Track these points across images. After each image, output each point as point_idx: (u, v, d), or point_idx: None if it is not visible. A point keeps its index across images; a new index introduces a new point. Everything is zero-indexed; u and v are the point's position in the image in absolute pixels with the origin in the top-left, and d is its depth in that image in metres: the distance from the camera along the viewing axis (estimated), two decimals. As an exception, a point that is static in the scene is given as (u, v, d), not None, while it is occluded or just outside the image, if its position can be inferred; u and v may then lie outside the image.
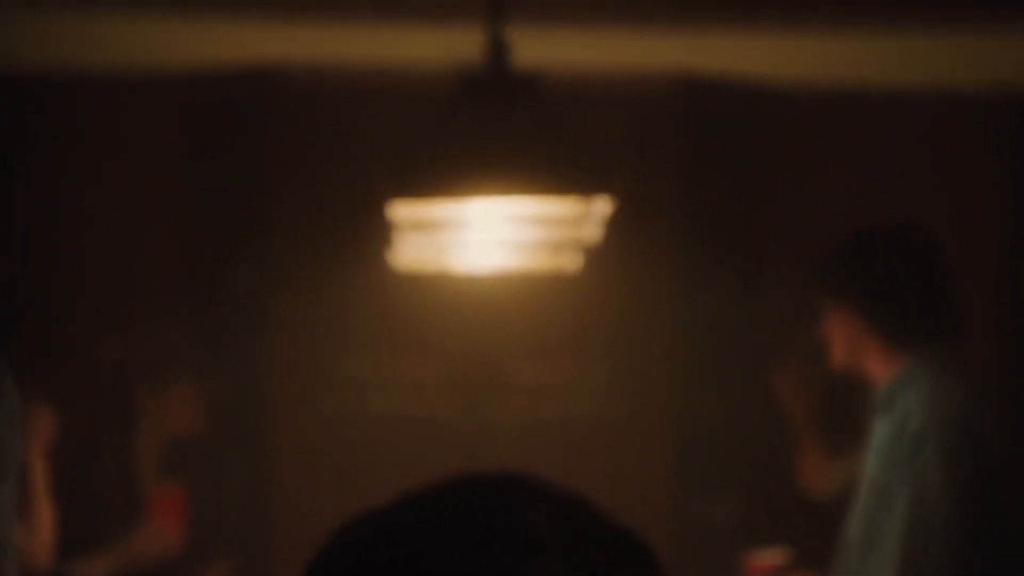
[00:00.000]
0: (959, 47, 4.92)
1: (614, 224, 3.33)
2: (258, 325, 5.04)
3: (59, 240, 4.79)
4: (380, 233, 3.30)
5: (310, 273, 4.95)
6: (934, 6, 4.52)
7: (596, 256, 3.45)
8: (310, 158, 4.94)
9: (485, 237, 3.25)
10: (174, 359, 4.63)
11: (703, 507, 5.13)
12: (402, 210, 3.15)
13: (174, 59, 4.96)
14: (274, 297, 5.00)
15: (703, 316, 5.16)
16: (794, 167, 5.18)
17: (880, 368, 3.23)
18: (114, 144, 4.88)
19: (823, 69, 5.17)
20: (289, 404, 5.00)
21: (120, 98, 4.99)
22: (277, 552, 4.93)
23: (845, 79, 5.16)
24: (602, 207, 3.18)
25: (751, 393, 5.08)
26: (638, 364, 5.05)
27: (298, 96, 4.96)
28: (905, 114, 5.14)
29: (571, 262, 3.26)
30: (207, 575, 4.77)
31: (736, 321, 5.19)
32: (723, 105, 5.20)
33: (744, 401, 5.15)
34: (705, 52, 4.99)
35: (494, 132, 3.18)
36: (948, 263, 3.42)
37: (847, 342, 3.25)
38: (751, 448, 5.09)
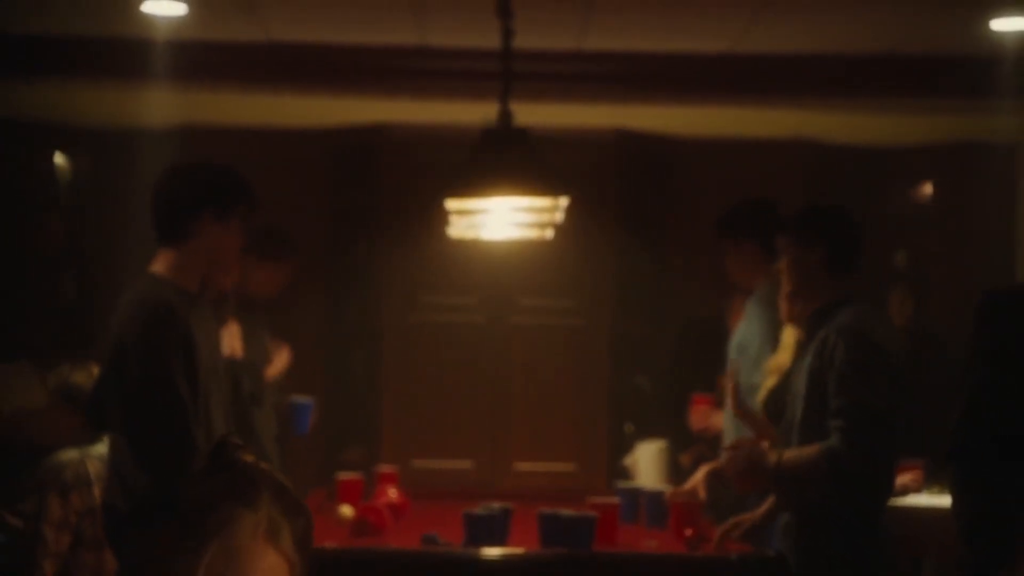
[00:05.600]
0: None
1: (572, 219, 3.95)
2: (371, 276, 5.88)
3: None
4: (442, 218, 3.97)
5: (402, 244, 5.70)
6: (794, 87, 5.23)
7: (562, 232, 4.10)
8: (403, 178, 5.78)
9: (501, 219, 3.96)
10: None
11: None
12: (455, 205, 3.89)
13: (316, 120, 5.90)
14: (380, 261, 5.80)
15: (631, 274, 5.75)
16: (691, 190, 5.94)
17: (818, 295, 3.13)
18: (276, 176, 5.52)
19: (712, 127, 5.89)
20: (390, 321, 5.77)
21: (280, 145, 5.86)
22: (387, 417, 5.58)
23: (725, 134, 5.90)
24: (563, 204, 3.90)
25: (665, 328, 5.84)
26: (592, 297, 5.86)
27: (396, 144, 5.79)
28: (766, 156, 5.87)
29: (548, 234, 4.06)
30: (346, 455, 5.35)
31: (652, 280, 5.90)
32: (644, 149, 5.86)
33: (660, 330, 5.89)
34: (633, 115, 5.72)
35: (503, 162, 3.85)
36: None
37: (806, 274, 3.12)
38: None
